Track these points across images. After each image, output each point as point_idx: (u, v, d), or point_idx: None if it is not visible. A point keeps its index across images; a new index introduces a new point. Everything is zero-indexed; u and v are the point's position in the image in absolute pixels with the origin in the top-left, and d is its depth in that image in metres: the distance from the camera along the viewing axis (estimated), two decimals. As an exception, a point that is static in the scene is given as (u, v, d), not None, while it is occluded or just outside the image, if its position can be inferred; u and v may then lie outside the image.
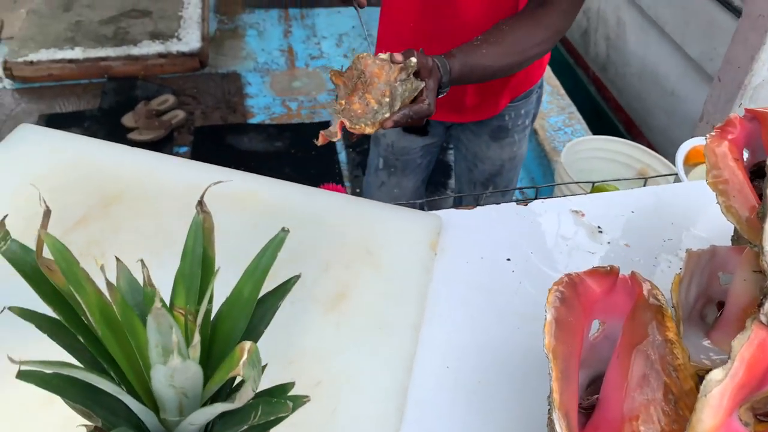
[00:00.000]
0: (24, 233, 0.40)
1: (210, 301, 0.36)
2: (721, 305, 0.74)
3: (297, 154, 2.69)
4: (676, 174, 1.09)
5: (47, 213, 0.34)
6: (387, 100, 0.81)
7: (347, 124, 0.79)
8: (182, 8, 3.40)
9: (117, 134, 2.67)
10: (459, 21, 1.12)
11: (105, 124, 2.75)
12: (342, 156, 2.70)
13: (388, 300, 0.76)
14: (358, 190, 2.51)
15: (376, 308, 0.75)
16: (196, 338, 0.34)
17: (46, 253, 0.33)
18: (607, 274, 0.63)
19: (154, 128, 2.71)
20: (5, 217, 0.36)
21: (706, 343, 0.71)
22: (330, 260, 0.79)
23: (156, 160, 0.91)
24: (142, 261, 0.34)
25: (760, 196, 0.77)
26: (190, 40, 3.18)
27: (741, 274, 0.72)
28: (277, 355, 0.68)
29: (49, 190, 0.86)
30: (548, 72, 2.97)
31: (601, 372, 0.63)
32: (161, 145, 2.68)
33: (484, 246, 0.86)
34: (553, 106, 2.90)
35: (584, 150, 1.95)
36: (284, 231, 0.39)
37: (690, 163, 1.07)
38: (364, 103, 0.81)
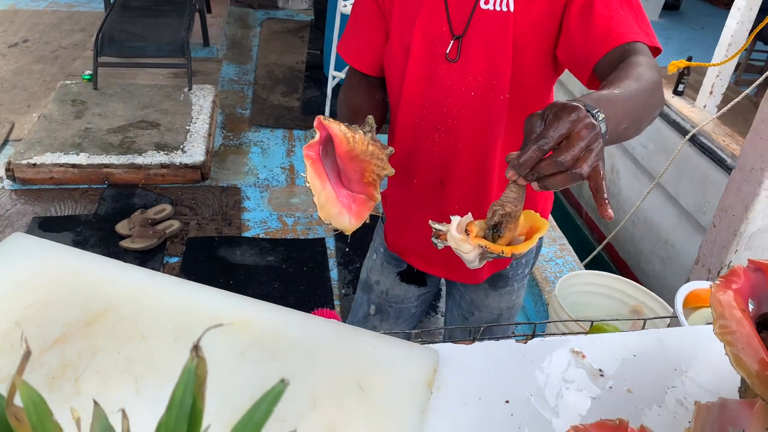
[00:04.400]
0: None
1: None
2: (734, 466, 0.69)
3: (288, 269, 2.67)
4: (675, 317, 1.07)
5: (26, 355, 0.31)
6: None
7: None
8: (190, 123, 3.52)
9: (109, 241, 2.65)
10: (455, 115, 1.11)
11: (99, 230, 2.75)
12: (334, 273, 2.68)
13: (378, 441, 0.71)
14: (347, 310, 2.47)
15: (365, 450, 0.69)
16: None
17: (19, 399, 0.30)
18: (616, 428, 0.59)
19: (148, 237, 2.71)
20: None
21: None
22: (319, 394, 0.75)
23: (147, 277, 0.89)
24: (123, 411, 0.30)
25: (769, 348, 0.75)
26: (194, 153, 3.26)
27: (754, 430, 0.68)
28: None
29: (30, 305, 0.83)
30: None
31: None
32: (152, 254, 2.66)
33: (481, 386, 0.82)
34: (545, 238, 2.94)
35: (577, 284, 1.94)
36: (283, 383, 0.36)
37: (689, 307, 1.05)
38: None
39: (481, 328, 0.97)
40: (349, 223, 0.97)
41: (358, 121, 0.97)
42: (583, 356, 0.89)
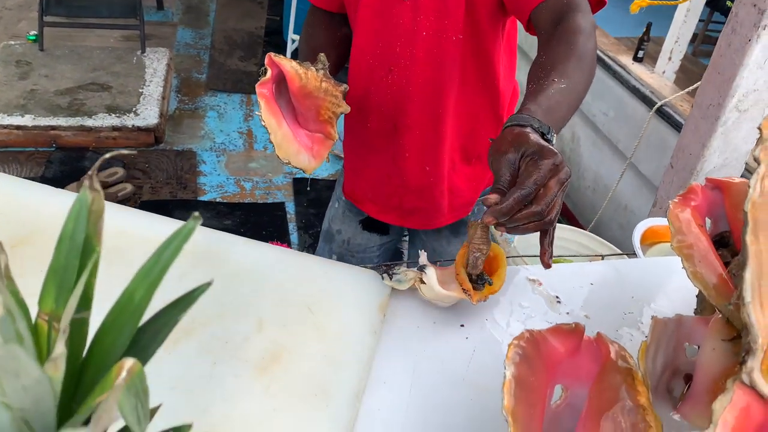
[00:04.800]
0: None
1: (88, 305, 0.28)
2: (688, 378, 0.68)
3: (246, 233, 2.59)
4: (633, 254, 1.06)
5: None
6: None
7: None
8: (143, 86, 3.39)
9: (57, 203, 2.54)
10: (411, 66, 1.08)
11: (46, 192, 2.63)
12: (294, 237, 2.63)
13: (327, 364, 0.67)
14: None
15: (313, 373, 0.66)
16: (58, 350, 0.26)
17: None
18: (572, 332, 0.57)
19: (99, 199, 2.60)
20: None
21: (676, 417, 0.64)
22: (265, 318, 0.71)
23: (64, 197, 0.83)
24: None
25: (726, 263, 0.74)
26: (147, 115, 3.14)
27: (709, 343, 0.67)
28: (192, 423, 0.58)
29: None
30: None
31: (566, 446, 0.55)
32: (104, 216, 2.56)
33: (437, 311, 0.79)
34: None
35: (534, 236, 1.93)
36: (196, 218, 0.32)
37: (646, 243, 1.05)
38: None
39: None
40: (308, 162, 0.94)
41: None
42: (540, 284, 0.87)
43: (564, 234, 1.85)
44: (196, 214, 0.31)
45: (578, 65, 0.86)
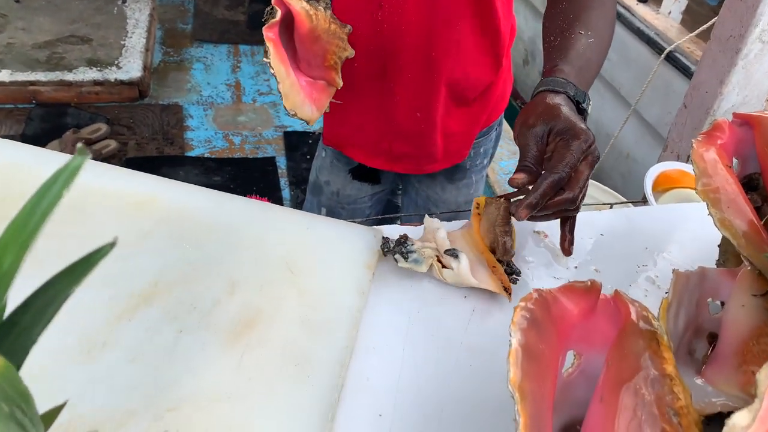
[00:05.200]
0: None
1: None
2: (712, 338, 0.61)
3: (236, 190, 2.51)
4: (644, 201, 0.98)
5: None
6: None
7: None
8: (125, 37, 3.24)
9: (39, 162, 2.44)
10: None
11: (27, 150, 2.53)
12: (285, 193, 2.55)
13: (309, 330, 0.60)
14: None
15: (293, 340, 0.59)
16: None
17: None
18: (587, 291, 0.49)
19: (82, 157, 2.50)
20: None
21: (699, 381, 0.57)
22: (238, 280, 0.63)
23: (34, 156, 0.74)
24: None
25: (756, 209, 0.66)
26: (130, 69, 3.01)
27: (737, 299, 0.59)
28: (150, 400, 0.51)
29: None
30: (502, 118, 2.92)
31: (578, 419, 0.48)
32: (88, 175, 2.46)
33: (430, 267, 0.71)
34: (504, 150, 2.84)
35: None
36: (82, 151, 0.23)
37: (659, 189, 0.97)
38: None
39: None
40: (311, 112, 0.86)
41: None
42: (545, 236, 0.80)
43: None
44: (80, 145, 0.23)
45: (602, 13, 0.79)
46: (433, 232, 0.70)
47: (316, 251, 0.68)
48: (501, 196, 0.72)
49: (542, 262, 0.75)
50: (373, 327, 0.63)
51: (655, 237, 0.82)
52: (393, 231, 0.74)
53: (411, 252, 0.68)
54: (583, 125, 0.66)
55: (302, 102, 0.82)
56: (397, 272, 0.70)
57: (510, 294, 0.67)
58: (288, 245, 0.68)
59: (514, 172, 0.66)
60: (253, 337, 0.58)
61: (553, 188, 0.63)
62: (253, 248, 0.67)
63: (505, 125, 2.97)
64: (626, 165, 2.63)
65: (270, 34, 0.78)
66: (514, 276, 0.70)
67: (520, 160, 0.67)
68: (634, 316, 0.49)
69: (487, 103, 1.12)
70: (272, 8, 0.77)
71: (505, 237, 0.69)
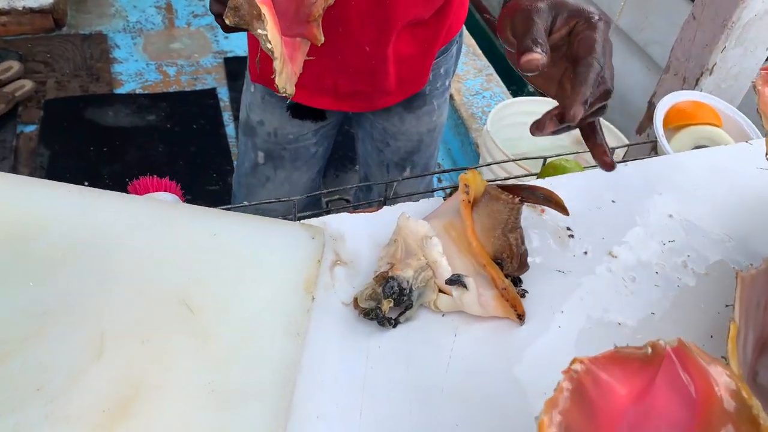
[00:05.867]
0: None
1: None
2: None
3: (174, 128, 2.25)
4: (652, 141, 0.80)
5: None
6: None
7: None
8: (32, -43, 2.82)
9: (-59, 111, 2.13)
10: None
11: (-74, 98, 2.20)
12: (230, 129, 2.29)
13: (219, 402, 0.41)
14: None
15: (196, 422, 0.40)
16: None
17: None
18: (645, 363, 0.31)
19: (-7, 102, 2.19)
20: None
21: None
22: (109, 331, 0.43)
23: None
24: None
25: None
26: (40, -6, 2.62)
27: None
28: None
29: None
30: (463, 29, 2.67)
31: None
32: (2, 122, 2.16)
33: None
34: (470, 68, 2.60)
35: (510, 115, 1.65)
36: None
37: (670, 127, 0.78)
38: None
39: (394, 184, 0.67)
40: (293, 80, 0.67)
41: None
42: (542, 211, 0.61)
43: (542, 109, 1.57)
44: None
45: None
46: (419, 240, 0.49)
47: (225, 273, 0.48)
48: (507, 189, 0.52)
49: (541, 249, 0.57)
50: (315, 384, 0.44)
51: (682, 199, 0.64)
52: (342, 224, 0.54)
53: (410, 306, 0.48)
54: (593, 9, 0.53)
55: (291, 74, 0.63)
56: (349, 284, 0.51)
57: (523, 318, 0.49)
58: (184, 268, 0.47)
59: (523, 53, 0.47)
60: (133, 427, 0.38)
61: (597, 79, 0.50)
62: (130, 278, 0.46)
63: (470, 40, 2.72)
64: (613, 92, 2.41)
65: None
66: (521, 289, 0.52)
67: (524, 40, 0.49)
68: (719, 390, 0.31)
69: (445, 17, 0.91)
70: None
71: (521, 245, 0.50)
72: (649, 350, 0.30)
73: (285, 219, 0.73)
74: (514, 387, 0.46)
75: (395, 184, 0.68)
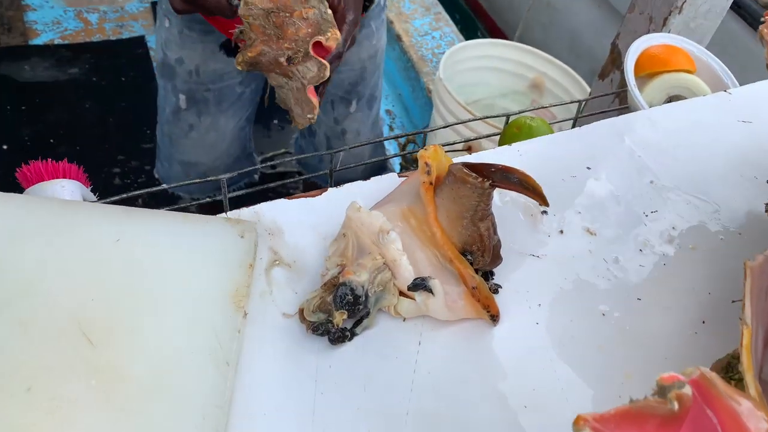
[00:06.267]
0: None
1: None
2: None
3: (101, 82, 2.07)
4: (620, 91, 0.72)
5: None
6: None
7: None
8: None
9: None
10: None
11: None
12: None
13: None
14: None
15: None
16: None
17: None
18: (669, 420, 0.24)
19: None
20: None
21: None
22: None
23: None
24: None
25: None
26: (-67, -69, 2.32)
27: None
28: None
29: None
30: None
31: None
32: None
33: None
34: (417, 6, 2.47)
35: (463, 59, 1.55)
36: None
37: (641, 75, 0.71)
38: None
39: (340, 156, 0.58)
40: None
41: None
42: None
43: (497, 52, 1.47)
44: None
45: None
46: (373, 236, 0.41)
47: (133, 291, 0.38)
48: (475, 169, 0.43)
49: (512, 229, 0.49)
50: (252, 421, 0.36)
51: (659, 161, 0.57)
52: (278, 214, 0.46)
53: (367, 315, 0.40)
54: None
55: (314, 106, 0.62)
56: (290, 290, 0.42)
57: (497, 319, 0.42)
58: (81, 287, 0.38)
59: None
60: None
61: None
62: (7, 304, 0.36)
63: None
64: (547, 14, 2.32)
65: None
66: (494, 284, 0.44)
67: None
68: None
69: None
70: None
71: (493, 235, 0.42)
72: (676, 406, 0.24)
73: (212, 198, 0.63)
74: (491, 402, 0.40)
75: (339, 156, 0.59)
